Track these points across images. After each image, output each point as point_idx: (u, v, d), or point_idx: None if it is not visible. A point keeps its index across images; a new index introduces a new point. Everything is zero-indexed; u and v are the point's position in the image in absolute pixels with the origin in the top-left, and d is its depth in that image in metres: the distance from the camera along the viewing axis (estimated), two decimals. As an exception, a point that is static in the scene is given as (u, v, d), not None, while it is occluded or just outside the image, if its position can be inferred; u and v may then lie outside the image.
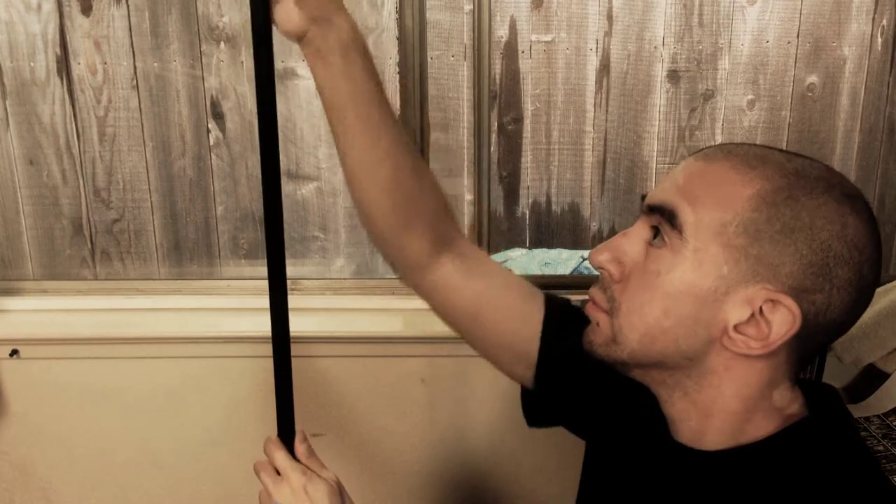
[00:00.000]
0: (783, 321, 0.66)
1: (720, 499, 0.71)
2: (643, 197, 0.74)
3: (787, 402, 0.72)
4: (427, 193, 0.88)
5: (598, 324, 0.75)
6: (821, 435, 0.71)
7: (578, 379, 0.89)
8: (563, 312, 0.91)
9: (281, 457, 0.87)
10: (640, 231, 0.73)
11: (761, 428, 0.71)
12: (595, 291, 0.75)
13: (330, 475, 0.87)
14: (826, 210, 0.66)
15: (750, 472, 0.70)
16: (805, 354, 0.71)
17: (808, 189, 0.67)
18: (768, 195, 0.66)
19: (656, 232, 0.71)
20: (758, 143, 1.61)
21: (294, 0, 0.77)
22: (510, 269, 0.98)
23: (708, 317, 0.68)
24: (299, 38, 0.79)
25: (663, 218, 0.70)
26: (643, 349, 0.71)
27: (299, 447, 0.89)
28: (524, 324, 0.91)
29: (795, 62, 1.58)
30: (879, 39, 1.58)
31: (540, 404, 0.95)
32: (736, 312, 0.67)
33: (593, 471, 0.89)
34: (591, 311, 0.76)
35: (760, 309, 0.66)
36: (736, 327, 0.67)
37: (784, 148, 1.66)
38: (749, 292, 0.67)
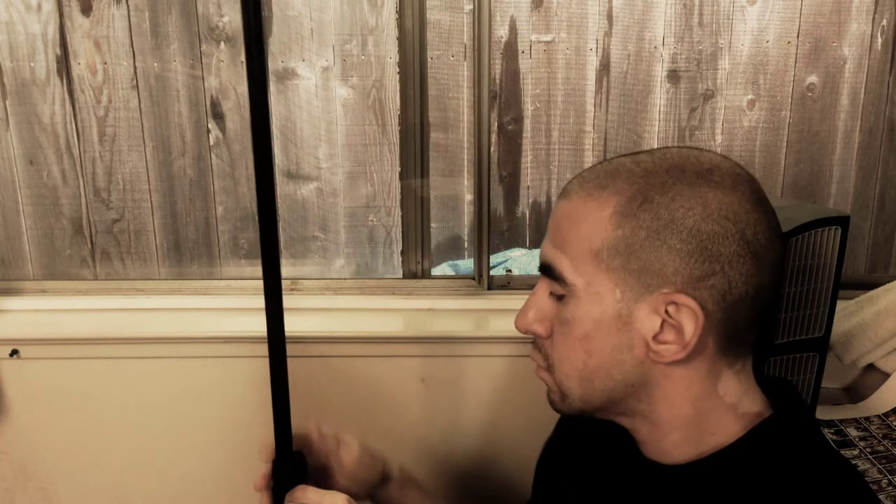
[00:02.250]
0: (689, 318, 0.67)
1: None
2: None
3: (739, 395, 0.72)
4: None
5: (547, 385, 0.78)
6: (785, 436, 0.72)
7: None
8: None
9: (314, 495, 0.86)
10: (543, 287, 0.76)
11: (722, 430, 0.72)
12: (533, 353, 0.79)
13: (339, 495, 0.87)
14: (681, 197, 0.67)
15: (716, 481, 0.71)
16: (736, 338, 0.71)
17: (658, 186, 0.67)
18: (624, 208, 0.68)
19: (552, 289, 0.74)
20: (757, 143, 1.62)
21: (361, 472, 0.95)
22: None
23: (626, 341, 0.70)
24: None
25: (548, 276, 0.73)
26: (587, 393, 0.74)
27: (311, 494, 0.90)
28: None
29: (795, 62, 1.58)
30: (879, 39, 1.58)
31: None
32: (647, 326, 0.69)
33: (563, 493, 0.90)
34: (538, 373, 0.79)
35: (668, 313, 0.68)
36: (655, 338, 0.69)
37: (784, 149, 1.67)
38: (649, 304, 0.68)
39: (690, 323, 0.67)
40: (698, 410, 0.72)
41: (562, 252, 0.71)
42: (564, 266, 0.71)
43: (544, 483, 0.95)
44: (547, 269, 0.73)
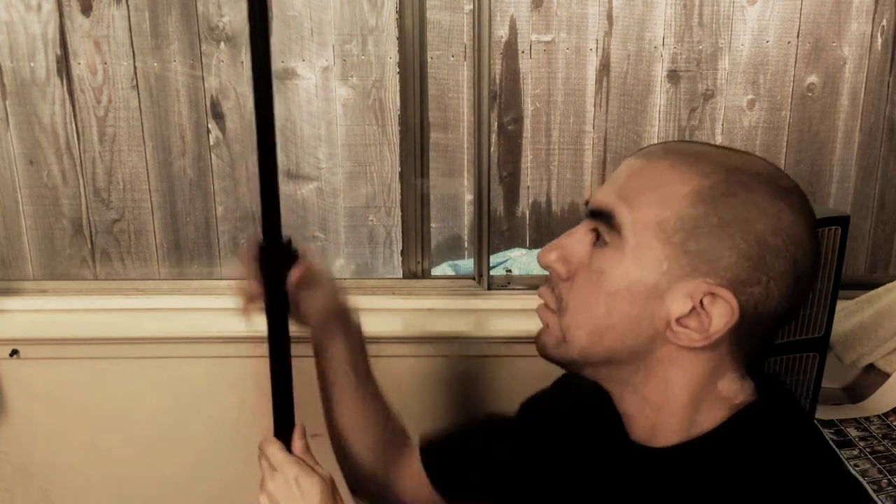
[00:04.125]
0: (722, 313, 0.68)
1: (675, 494, 0.72)
2: (586, 202, 0.77)
3: (735, 392, 0.73)
4: (398, 440, 1.05)
5: (547, 325, 0.77)
6: (768, 417, 0.73)
7: (496, 468, 0.97)
8: (433, 448, 1.04)
9: (274, 450, 0.88)
10: (584, 232, 0.75)
11: (710, 418, 0.73)
12: (544, 291, 0.78)
13: (324, 471, 0.88)
14: (762, 204, 0.68)
15: (702, 464, 0.72)
16: (749, 345, 0.73)
17: (744, 184, 0.69)
18: (706, 191, 0.68)
19: (599, 233, 0.73)
20: (758, 143, 1.62)
21: (322, 295, 0.94)
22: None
23: (651, 312, 0.70)
24: (321, 329, 0.97)
25: (602, 221, 0.72)
26: (591, 347, 0.73)
27: (297, 442, 0.90)
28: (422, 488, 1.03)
29: (795, 62, 1.58)
30: (879, 39, 1.58)
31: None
32: (678, 306, 0.69)
33: (547, 473, 0.90)
34: (541, 312, 0.78)
35: (701, 302, 0.68)
36: (678, 320, 0.69)
37: (784, 149, 1.67)
38: (689, 287, 0.68)
39: (722, 318, 0.68)
40: (693, 399, 0.73)
41: (626, 205, 0.70)
42: (625, 218, 0.70)
43: (528, 432, 0.95)
44: (603, 216, 0.72)
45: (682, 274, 0.68)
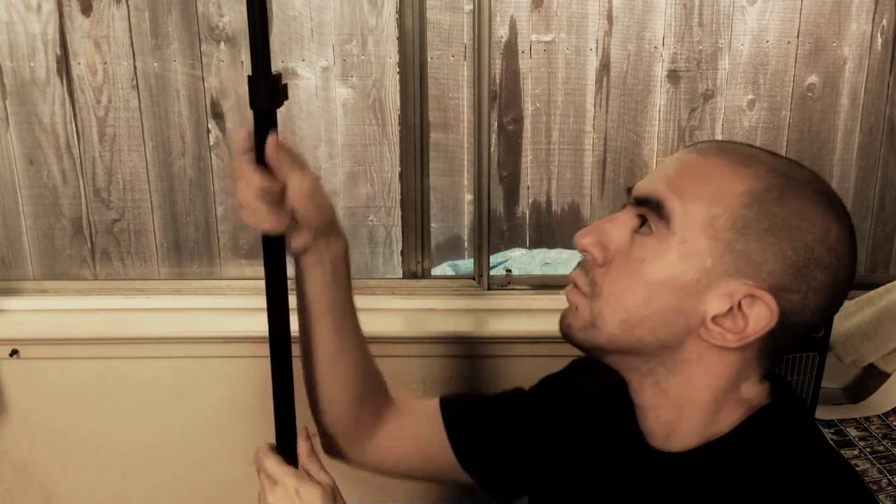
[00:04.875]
0: (761, 317, 0.68)
1: (690, 499, 0.72)
2: (629, 189, 0.75)
3: (755, 395, 0.74)
4: (374, 379, 0.98)
5: (576, 307, 0.75)
6: (782, 420, 0.73)
7: (519, 450, 0.94)
8: (455, 404, 0.98)
9: (271, 463, 0.87)
10: (626, 218, 0.73)
11: (728, 419, 0.73)
12: (577, 274, 0.76)
13: (325, 478, 0.86)
14: (812, 214, 0.68)
15: (718, 468, 0.72)
16: (775, 352, 0.73)
17: (797, 191, 0.68)
18: (759, 193, 0.68)
19: (643, 221, 0.72)
20: (758, 143, 1.62)
21: (301, 215, 0.83)
22: (406, 393, 1.03)
23: (688, 307, 0.69)
24: (304, 250, 0.87)
25: (650, 209, 0.71)
26: (622, 335, 0.72)
27: (302, 445, 0.89)
28: (435, 443, 0.97)
29: (795, 62, 1.58)
30: (879, 39, 1.58)
31: (496, 481, 0.98)
32: (715, 305, 0.69)
33: (558, 474, 0.90)
34: (570, 294, 0.76)
35: (739, 303, 0.68)
36: (714, 319, 0.69)
37: (784, 149, 1.67)
38: (730, 286, 0.68)
39: (760, 321, 0.68)
40: (716, 399, 0.72)
41: (677, 197, 0.69)
42: (675, 209, 0.69)
43: (544, 411, 0.93)
44: (652, 204, 0.71)
45: (724, 273, 0.68)
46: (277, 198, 0.81)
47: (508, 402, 0.98)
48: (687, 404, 0.73)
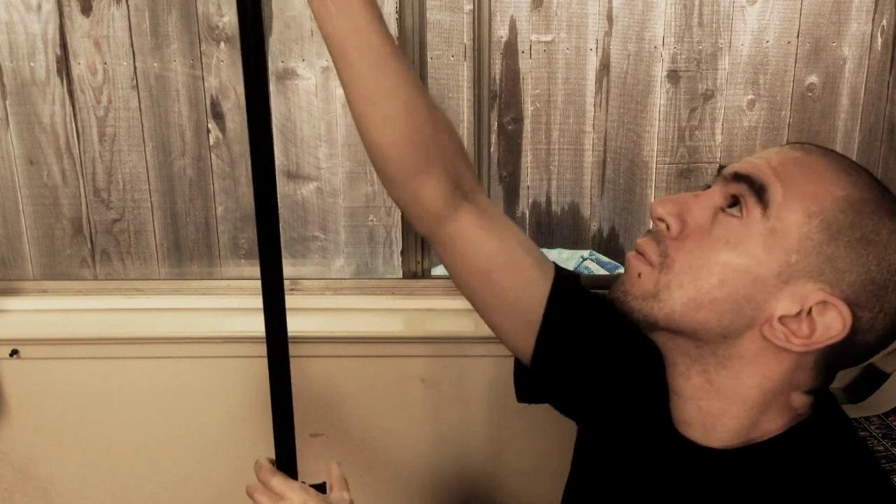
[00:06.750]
0: (831, 325, 0.66)
1: (727, 498, 0.71)
2: (721, 167, 0.73)
3: (803, 405, 0.72)
4: (443, 134, 0.84)
5: (639, 275, 0.72)
6: (828, 433, 0.72)
7: (578, 357, 0.88)
8: (572, 286, 0.89)
9: (277, 481, 0.85)
10: (713, 196, 0.71)
11: (774, 424, 0.71)
12: (646, 242, 0.72)
13: (337, 497, 0.85)
14: None
15: (761, 473, 0.70)
16: (831, 366, 0.71)
17: (891, 210, 0.67)
18: (857, 202, 0.67)
19: (733, 202, 0.69)
20: (757, 143, 1.62)
21: None
22: (523, 232, 0.94)
23: (759, 299, 0.67)
24: None
25: (751, 189, 0.68)
26: (685, 314, 0.69)
27: (335, 484, 0.87)
28: (533, 290, 0.88)
29: (795, 62, 1.58)
30: (879, 39, 1.58)
31: (534, 379, 0.93)
32: (786, 304, 0.67)
33: (587, 460, 0.88)
34: (634, 260, 0.72)
35: (810, 308, 0.66)
36: (780, 318, 0.67)
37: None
38: (807, 288, 0.66)
39: (830, 330, 0.66)
40: (764, 401, 0.70)
41: (781, 184, 0.67)
42: (776, 197, 0.67)
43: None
44: (755, 185, 0.68)
45: (805, 273, 0.66)
46: None
47: (610, 326, 0.88)
48: (734, 400, 0.71)
